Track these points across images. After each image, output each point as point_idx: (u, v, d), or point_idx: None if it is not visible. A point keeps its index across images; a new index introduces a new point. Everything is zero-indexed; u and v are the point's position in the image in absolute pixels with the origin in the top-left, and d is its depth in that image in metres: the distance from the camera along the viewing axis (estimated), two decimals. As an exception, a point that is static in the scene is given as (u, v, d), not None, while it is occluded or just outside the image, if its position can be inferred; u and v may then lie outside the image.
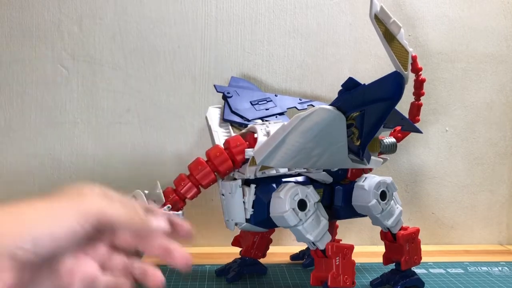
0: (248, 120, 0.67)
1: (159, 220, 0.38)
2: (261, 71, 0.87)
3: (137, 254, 0.37)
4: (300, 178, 0.61)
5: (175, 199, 0.58)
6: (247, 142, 0.60)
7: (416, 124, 0.70)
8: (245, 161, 0.60)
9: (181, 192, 0.59)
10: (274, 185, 0.59)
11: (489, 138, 0.93)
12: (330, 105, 0.50)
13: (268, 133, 0.59)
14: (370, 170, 0.67)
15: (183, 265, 0.36)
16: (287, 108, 0.72)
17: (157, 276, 0.35)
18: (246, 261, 0.72)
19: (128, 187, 0.85)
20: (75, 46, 0.83)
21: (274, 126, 0.61)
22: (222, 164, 0.59)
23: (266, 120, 0.68)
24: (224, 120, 0.69)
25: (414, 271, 0.67)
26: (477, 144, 0.93)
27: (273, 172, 0.59)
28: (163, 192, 0.58)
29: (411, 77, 0.65)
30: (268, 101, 0.72)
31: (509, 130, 0.94)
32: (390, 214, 0.64)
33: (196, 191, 0.59)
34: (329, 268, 0.56)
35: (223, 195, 0.62)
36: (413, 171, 0.92)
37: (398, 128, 0.71)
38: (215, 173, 0.60)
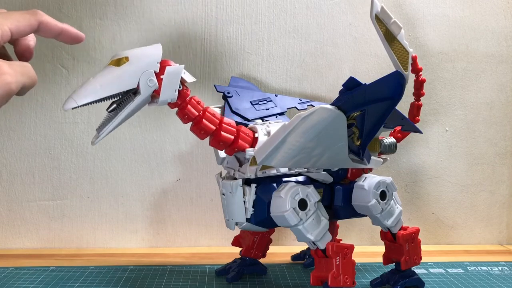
0: (248, 120, 0.67)
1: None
2: (261, 71, 0.87)
3: None
4: (300, 178, 0.61)
5: None
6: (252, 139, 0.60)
7: (416, 124, 0.70)
8: (240, 151, 0.59)
9: None
10: (274, 185, 0.59)
11: (489, 138, 0.93)
12: (331, 104, 0.50)
13: (268, 133, 0.60)
14: (370, 170, 0.67)
15: (78, 38, 0.48)
16: (287, 108, 0.72)
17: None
18: (246, 261, 0.72)
19: (128, 187, 0.86)
20: (75, 46, 0.83)
21: (274, 126, 0.61)
22: (226, 131, 0.58)
23: (266, 120, 0.68)
24: None
25: (414, 271, 0.67)
26: (477, 144, 0.93)
27: (273, 172, 0.59)
28: None
29: (411, 78, 0.65)
30: (268, 101, 0.72)
31: (509, 130, 0.94)
32: (390, 214, 0.64)
33: None
34: (330, 268, 0.56)
35: (223, 194, 0.62)
36: (413, 171, 0.92)
37: (398, 128, 0.71)
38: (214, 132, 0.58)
